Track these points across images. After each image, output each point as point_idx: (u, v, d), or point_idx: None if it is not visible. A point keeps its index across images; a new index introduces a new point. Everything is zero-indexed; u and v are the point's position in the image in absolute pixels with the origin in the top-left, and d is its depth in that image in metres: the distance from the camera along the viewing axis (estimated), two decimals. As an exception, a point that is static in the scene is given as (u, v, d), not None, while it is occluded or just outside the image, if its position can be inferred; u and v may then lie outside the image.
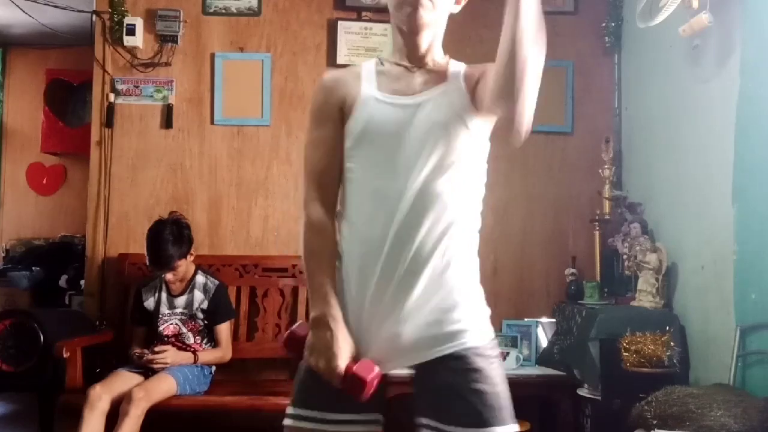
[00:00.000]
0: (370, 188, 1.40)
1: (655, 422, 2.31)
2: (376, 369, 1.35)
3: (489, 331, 1.44)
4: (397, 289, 1.37)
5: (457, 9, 1.49)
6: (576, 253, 3.71)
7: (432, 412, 1.37)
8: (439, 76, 1.45)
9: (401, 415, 1.48)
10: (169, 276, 3.22)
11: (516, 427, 1.40)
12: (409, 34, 1.44)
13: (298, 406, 1.41)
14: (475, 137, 1.43)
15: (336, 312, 1.37)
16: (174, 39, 3.80)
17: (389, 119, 1.40)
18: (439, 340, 1.38)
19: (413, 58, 1.47)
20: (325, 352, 1.34)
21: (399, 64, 1.47)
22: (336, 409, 1.38)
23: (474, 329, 1.40)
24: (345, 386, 1.33)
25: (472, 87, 1.42)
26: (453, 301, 1.40)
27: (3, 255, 5.51)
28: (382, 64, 1.49)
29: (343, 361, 1.34)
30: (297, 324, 1.46)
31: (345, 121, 1.44)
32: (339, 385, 1.34)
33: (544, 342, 3.55)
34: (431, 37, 1.46)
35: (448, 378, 1.36)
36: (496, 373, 1.39)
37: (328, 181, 1.45)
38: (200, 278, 3.32)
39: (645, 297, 3.12)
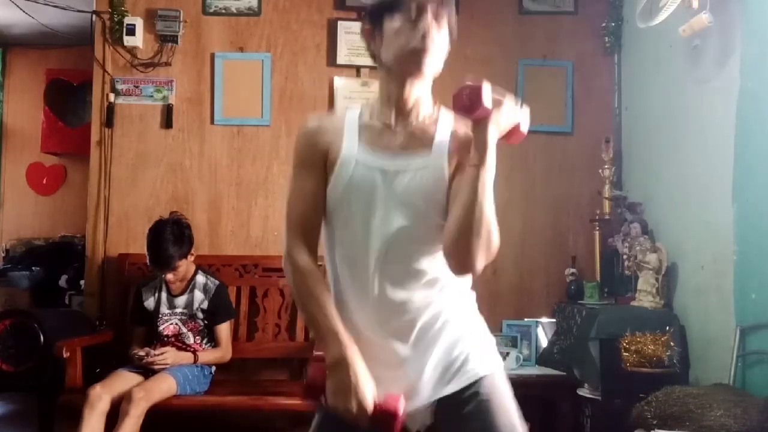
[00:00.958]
0: (347, 253, 1.43)
1: (655, 422, 2.31)
2: (402, 400, 1.34)
3: (497, 359, 1.49)
4: (393, 343, 1.41)
5: (444, 56, 1.46)
6: (576, 253, 3.71)
7: None
8: (423, 140, 1.43)
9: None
10: (169, 276, 3.22)
11: None
12: (402, 83, 1.43)
13: None
14: (445, 196, 1.42)
15: (353, 350, 1.35)
16: (174, 39, 3.80)
17: (367, 183, 1.41)
18: (445, 379, 1.42)
19: (400, 111, 1.45)
20: (351, 392, 1.32)
21: (383, 116, 1.46)
22: None
23: (480, 359, 1.45)
24: (375, 423, 1.32)
25: (457, 152, 1.41)
26: (457, 346, 1.45)
27: (3, 255, 5.51)
28: (369, 116, 1.48)
29: (370, 398, 1.32)
30: (311, 369, 1.41)
31: (327, 172, 1.44)
32: (367, 424, 1.32)
33: (544, 342, 3.55)
34: (423, 90, 1.45)
35: (462, 411, 1.40)
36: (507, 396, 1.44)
37: (311, 229, 1.46)
38: (200, 278, 3.32)
39: (645, 297, 3.12)
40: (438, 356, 1.42)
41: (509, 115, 1.35)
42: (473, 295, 1.51)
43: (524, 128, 1.39)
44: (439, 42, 1.40)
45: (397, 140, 1.44)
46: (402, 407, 1.32)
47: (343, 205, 1.42)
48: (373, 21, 1.46)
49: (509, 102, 1.35)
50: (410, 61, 1.40)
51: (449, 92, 1.36)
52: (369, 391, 1.33)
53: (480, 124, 1.32)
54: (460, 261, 1.34)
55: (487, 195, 1.31)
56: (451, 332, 1.44)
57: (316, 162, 1.45)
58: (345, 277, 1.44)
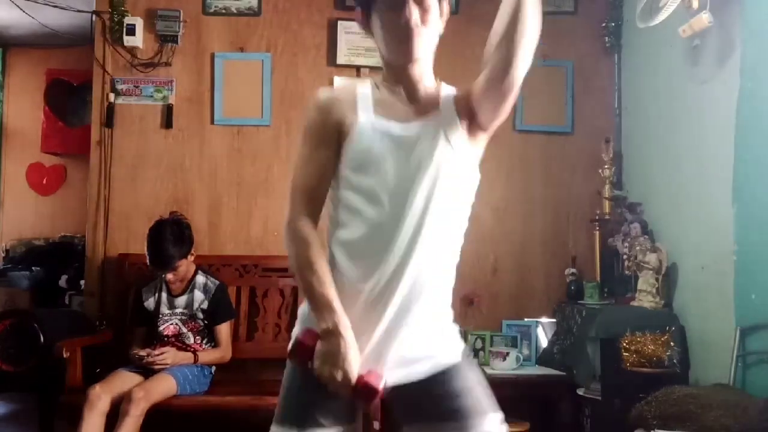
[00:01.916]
0: (368, 216, 1.41)
1: (655, 422, 2.32)
2: (384, 379, 1.37)
3: (460, 345, 1.50)
4: (393, 314, 1.40)
5: (441, 27, 1.48)
6: (576, 253, 3.71)
7: (422, 417, 1.43)
8: (431, 103, 1.47)
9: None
10: (169, 276, 3.22)
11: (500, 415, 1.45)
12: (401, 68, 1.46)
13: (294, 424, 1.43)
14: (467, 169, 1.47)
15: (346, 322, 1.37)
16: (174, 39, 3.80)
17: (386, 149, 1.42)
18: (425, 360, 1.43)
19: (406, 86, 1.48)
20: (339, 362, 1.34)
21: (392, 91, 1.48)
22: (319, 424, 1.41)
23: (449, 347, 1.47)
24: (355, 395, 1.35)
25: (465, 109, 1.45)
26: (438, 324, 1.47)
27: (3, 255, 5.51)
28: (377, 87, 1.50)
29: (355, 370, 1.34)
30: (301, 331, 1.45)
31: (341, 144, 1.45)
32: (348, 394, 1.35)
33: (544, 342, 3.55)
34: (423, 66, 1.48)
35: (432, 390, 1.42)
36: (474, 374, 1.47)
37: (317, 198, 1.47)
38: (200, 278, 3.32)
39: (645, 297, 3.12)
40: (404, 337, 1.42)
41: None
42: (454, 271, 1.51)
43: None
44: (427, 24, 1.41)
45: (408, 108, 1.46)
46: (383, 384, 1.35)
47: (361, 172, 1.42)
48: (362, 8, 1.48)
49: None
50: (399, 52, 1.43)
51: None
52: (355, 364, 1.35)
53: None
54: (501, 68, 1.34)
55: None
56: (424, 316, 1.43)
57: (328, 133, 1.46)
58: (356, 247, 1.43)
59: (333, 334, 1.35)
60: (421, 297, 1.41)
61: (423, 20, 1.41)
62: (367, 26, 1.48)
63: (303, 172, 1.47)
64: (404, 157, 1.41)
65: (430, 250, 1.41)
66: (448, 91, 1.50)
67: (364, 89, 1.49)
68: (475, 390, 1.44)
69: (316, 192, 1.46)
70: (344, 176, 1.44)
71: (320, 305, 1.39)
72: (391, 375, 1.40)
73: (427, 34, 1.43)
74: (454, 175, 1.44)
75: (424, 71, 1.48)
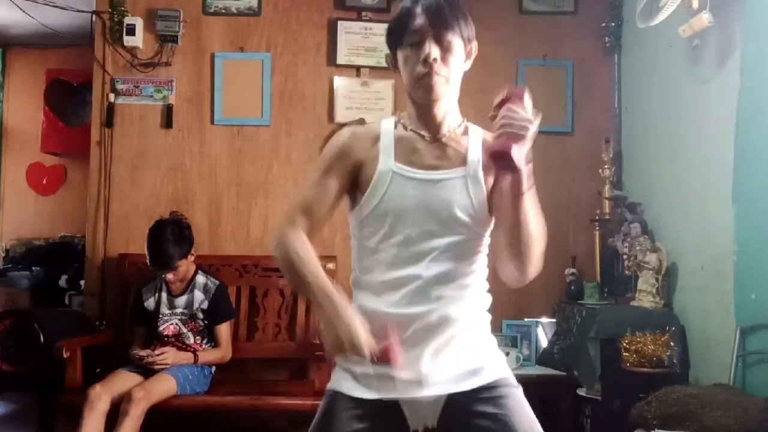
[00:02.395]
0: (387, 257, 1.45)
1: (655, 422, 2.31)
2: (395, 331, 1.37)
3: (507, 369, 1.53)
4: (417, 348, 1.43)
5: (467, 66, 1.50)
6: (576, 253, 3.71)
7: None
8: (457, 153, 1.48)
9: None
10: (169, 276, 3.22)
11: None
12: (425, 107, 1.47)
13: None
14: (484, 220, 1.48)
15: (344, 301, 1.38)
16: (174, 39, 3.80)
17: (406, 194, 1.44)
18: (458, 377, 1.45)
19: (430, 127, 1.49)
20: (352, 337, 1.34)
21: (416, 132, 1.49)
22: None
23: (496, 366, 1.50)
24: (380, 357, 1.35)
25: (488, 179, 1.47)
26: (476, 356, 1.48)
27: (3, 255, 5.51)
28: (404, 127, 1.50)
29: (366, 341, 1.35)
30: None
31: (356, 182, 1.47)
32: (374, 357, 1.35)
33: (544, 342, 3.55)
34: (447, 105, 1.48)
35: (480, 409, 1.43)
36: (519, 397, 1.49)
37: (313, 214, 1.47)
38: (200, 278, 3.32)
39: (645, 297, 3.12)
40: (453, 355, 1.45)
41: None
42: (489, 299, 1.55)
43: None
44: (448, 63, 1.43)
45: (431, 152, 1.47)
46: (396, 338, 1.36)
47: (380, 215, 1.44)
48: (390, 48, 1.50)
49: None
50: (419, 88, 1.44)
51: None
52: (364, 337, 1.35)
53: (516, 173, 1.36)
54: (516, 277, 1.44)
55: (531, 216, 1.37)
56: (468, 336, 1.47)
57: (343, 172, 1.48)
58: (377, 290, 1.46)
59: (336, 317, 1.35)
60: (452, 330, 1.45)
61: (444, 59, 1.42)
62: (395, 66, 1.50)
63: (308, 192, 1.49)
64: (423, 204, 1.43)
65: (442, 279, 1.44)
66: (475, 139, 1.50)
67: (388, 126, 1.51)
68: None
69: (314, 208, 1.47)
70: (363, 217, 1.47)
71: (317, 293, 1.39)
72: (429, 387, 1.43)
73: (449, 73, 1.43)
74: (473, 227, 1.46)
75: (448, 111, 1.49)
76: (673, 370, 2.74)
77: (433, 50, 1.41)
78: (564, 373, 3.24)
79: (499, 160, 1.33)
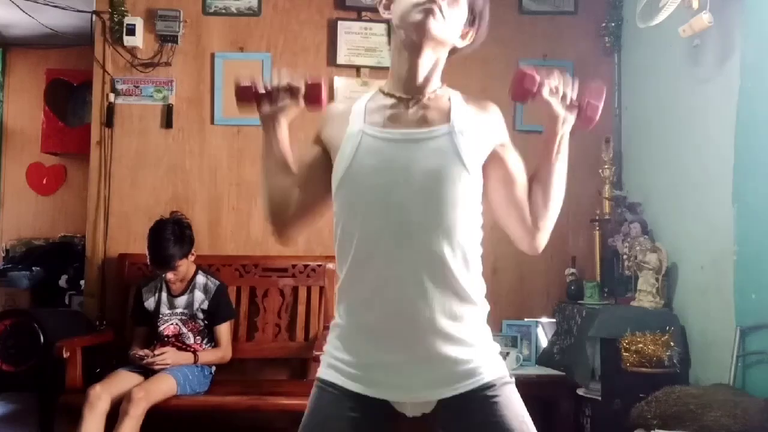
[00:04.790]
0: (362, 234, 1.34)
1: (655, 422, 2.32)
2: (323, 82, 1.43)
3: (502, 366, 1.45)
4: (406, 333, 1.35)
5: (461, 44, 1.45)
6: (576, 253, 3.71)
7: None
8: (440, 115, 1.39)
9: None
10: (169, 276, 3.22)
11: None
12: (413, 50, 1.38)
13: None
14: (476, 183, 1.38)
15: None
16: (174, 39, 3.80)
17: (377, 152, 1.35)
18: (455, 378, 1.37)
19: (410, 86, 1.41)
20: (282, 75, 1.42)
21: (393, 96, 1.42)
22: None
23: (489, 365, 1.40)
24: (307, 94, 1.43)
25: (478, 133, 1.39)
26: (467, 343, 1.38)
27: (3, 255, 5.51)
28: (379, 96, 1.44)
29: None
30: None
31: (329, 159, 1.43)
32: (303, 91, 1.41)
33: (544, 342, 3.55)
34: (432, 63, 1.41)
35: (472, 413, 1.36)
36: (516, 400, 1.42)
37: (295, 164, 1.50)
38: (201, 278, 3.32)
39: (645, 297, 3.12)
40: (444, 356, 1.35)
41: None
42: (487, 305, 1.45)
43: (592, 110, 1.42)
44: (450, 12, 1.37)
45: (410, 115, 1.39)
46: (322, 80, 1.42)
47: (348, 183, 1.36)
48: None
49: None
50: (417, 12, 1.34)
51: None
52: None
53: (556, 122, 1.39)
54: (535, 243, 1.49)
55: (559, 180, 1.43)
56: (461, 334, 1.37)
57: (320, 140, 1.48)
58: (360, 265, 1.36)
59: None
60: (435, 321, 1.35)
61: (450, 4, 1.36)
62: (387, 7, 1.43)
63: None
64: (403, 162, 1.34)
65: (424, 249, 1.33)
66: (458, 107, 1.41)
67: (363, 98, 1.46)
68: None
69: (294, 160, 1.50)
70: (333, 192, 1.40)
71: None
72: (417, 391, 1.37)
73: (448, 20, 1.36)
74: (463, 190, 1.35)
75: (432, 73, 1.42)
76: (673, 370, 2.74)
77: None
78: (564, 373, 3.24)
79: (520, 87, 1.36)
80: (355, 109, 1.43)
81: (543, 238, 1.47)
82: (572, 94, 1.38)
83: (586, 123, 1.41)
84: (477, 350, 1.39)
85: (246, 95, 1.44)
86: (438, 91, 1.43)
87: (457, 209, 1.34)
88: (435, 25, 1.35)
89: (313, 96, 1.42)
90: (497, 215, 1.47)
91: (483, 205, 1.43)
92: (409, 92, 1.41)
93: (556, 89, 1.37)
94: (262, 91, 1.44)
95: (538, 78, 1.35)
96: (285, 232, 1.47)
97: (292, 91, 1.42)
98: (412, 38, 1.37)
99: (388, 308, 1.34)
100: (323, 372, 1.42)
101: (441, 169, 1.33)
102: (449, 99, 1.43)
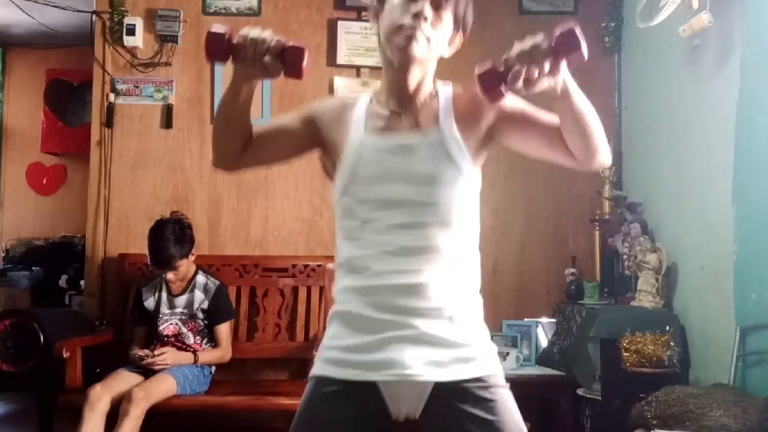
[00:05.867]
0: (364, 237, 1.38)
1: (655, 422, 2.31)
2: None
3: (497, 364, 1.43)
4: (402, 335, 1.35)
5: (447, 52, 1.45)
6: (576, 253, 3.71)
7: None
8: (431, 117, 1.41)
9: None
10: (170, 275, 3.22)
11: None
12: (399, 69, 1.40)
13: None
14: (470, 183, 1.41)
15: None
16: (174, 39, 3.80)
17: (377, 163, 1.39)
18: (451, 362, 1.35)
19: (402, 98, 1.43)
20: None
21: (387, 107, 1.44)
22: None
23: (486, 359, 1.39)
24: (288, 58, 1.30)
25: (470, 128, 1.40)
26: (465, 342, 1.38)
27: (3, 255, 5.52)
28: (376, 102, 1.46)
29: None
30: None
31: (326, 152, 1.47)
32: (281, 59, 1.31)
33: (544, 342, 3.55)
34: (420, 77, 1.42)
35: (462, 407, 1.34)
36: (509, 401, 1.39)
37: (258, 135, 1.51)
38: (201, 278, 3.32)
39: (645, 297, 3.12)
40: (442, 339, 1.35)
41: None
42: (480, 300, 1.46)
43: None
44: (436, 28, 1.38)
45: (403, 120, 1.43)
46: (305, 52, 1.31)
47: (353, 188, 1.39)
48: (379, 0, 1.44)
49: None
50: (400, 36, 1.35)
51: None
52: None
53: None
54: (596, 165, 1.40)
55: (587, 109, 1.37)
56: (460, 333, 1.37)
57: (308, 124, 1.48)
58: (359, 269, 1.39)
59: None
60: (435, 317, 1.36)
61: (433, 24, 1.37)
62: (376, 17, 1.44)
63: (265, 122, 1.52)
64: (396, 171, 1.37)
65: (440, 269, 1.36)
66: (446, 103, 1.43)
67: (362, 102, 1.47)
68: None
69: (261, 131, 1.50)
70: (337, 196, 1.42)
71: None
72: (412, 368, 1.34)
73: (432, 38, 1.37)
74: (457, 191, 1.39)
75: (422, 83, 1.43)
76: (673, 370, 2.74)
77: (427, 9, 1.36)
78: (564, 373, 3.24)
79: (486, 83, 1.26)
80: (356, 115, 1.45)
81: (602, 157, 1.39)
82: (543, 59, 1.22)
83: (573, 62, 1.26)
84: (474, 347, 1.39)
85: (218, 44, 1.30)
86: (428, 97, 1.45)
87: (452, 211, 1.38)
88: (418, 49, 1.37)
89: (294, 62, 1.30)
90: (548, 159, 1.44)
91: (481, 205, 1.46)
92: (401, 105, 1.44)
93: (526, 71, 1.22)
94: (236, 41, 1.30)
95: (499, 74, 1.24)
96: (223, 168, 1.65)
97: (270, 50, 1.29)
98: (397, 60, 1.40)
99: (386, 308, 1.36)
100: (315, 368, 1.45)
101: (436, 175, 1.37)
102: (437, 99, 1.44)
